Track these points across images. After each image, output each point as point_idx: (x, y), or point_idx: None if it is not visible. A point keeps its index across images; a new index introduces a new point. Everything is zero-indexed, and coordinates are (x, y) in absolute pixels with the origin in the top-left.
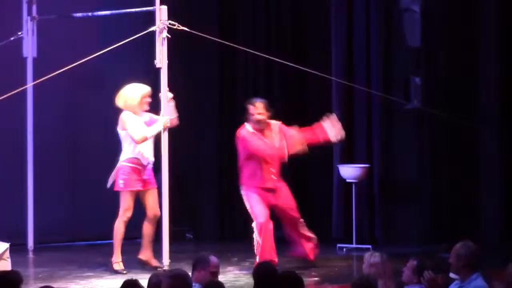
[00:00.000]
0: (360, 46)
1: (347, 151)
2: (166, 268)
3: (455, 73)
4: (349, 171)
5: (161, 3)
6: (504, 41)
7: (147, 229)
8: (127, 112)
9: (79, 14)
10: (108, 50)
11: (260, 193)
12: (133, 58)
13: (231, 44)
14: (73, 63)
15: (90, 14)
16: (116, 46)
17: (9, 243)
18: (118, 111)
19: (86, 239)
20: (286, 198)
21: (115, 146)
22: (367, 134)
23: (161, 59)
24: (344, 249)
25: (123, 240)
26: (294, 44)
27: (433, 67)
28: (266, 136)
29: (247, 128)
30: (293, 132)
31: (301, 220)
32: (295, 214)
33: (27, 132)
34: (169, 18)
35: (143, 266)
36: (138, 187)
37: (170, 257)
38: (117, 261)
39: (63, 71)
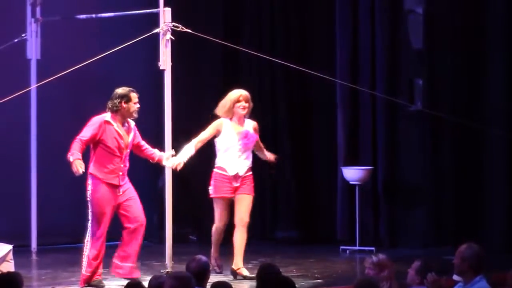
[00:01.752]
0: (365, 48)
1: (351, 153)
2: (169, 270)
3: (459, 75)
4: (353, 173)
5: (165, 5)
6: (509, 42)
7: (236, 237)
8: (220, 119)
9: (83, 16)
10: (112, 52)
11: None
12: (137, 60)
13: (236, 46)
14: (77, 65)
15: (94, 16)
16: (120, 48)
17: (13, 245)
18: None
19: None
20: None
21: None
22: (371, 136)
23: (165, 61)
24: (348, 251)
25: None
26: (299, 45)
27: (437, 69)
28: None
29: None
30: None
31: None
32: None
33: (31, 133)
34: (173, 20)
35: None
36: (226, 195)
37: (174, 259)
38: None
39: (67, 73)
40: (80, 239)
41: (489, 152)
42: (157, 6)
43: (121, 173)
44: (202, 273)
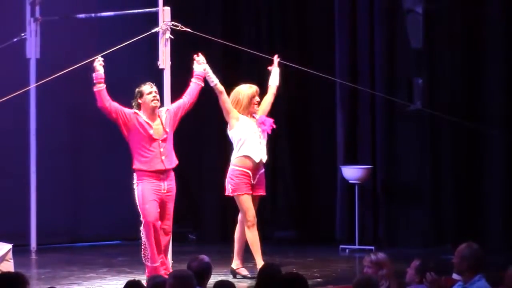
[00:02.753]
0: (364, 47)
1: (351, 152)
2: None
3: (458, 75)
4: (352, 172)
5: (164, 4)
6: (508, 42)
7: (239, 235)
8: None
9: (82, 15)
10: (111, 51)
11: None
12: (136, 59)
13: (235, 45)
14: (76, 64)
15: (93, 15)
16: (120, 47)
17: (12, 244)
18: None
19: (88, 240)
20: None
21: (117, 147)
22: (371, 135)
23: (164, 60)
24: (347, 250)
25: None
26: (298, 45)
27: (436, 69)
28: None
29: None
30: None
31: None
32: None
33: (30, 133)
34: (172, 19)
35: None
36: (248, 191)
37: (173, 258)
38: (239, 267)
39: (66, 72)
40: (79, 239)
41: (488, 151)
42: (156, 5)
43: (163, 157)
44: (203, 273)
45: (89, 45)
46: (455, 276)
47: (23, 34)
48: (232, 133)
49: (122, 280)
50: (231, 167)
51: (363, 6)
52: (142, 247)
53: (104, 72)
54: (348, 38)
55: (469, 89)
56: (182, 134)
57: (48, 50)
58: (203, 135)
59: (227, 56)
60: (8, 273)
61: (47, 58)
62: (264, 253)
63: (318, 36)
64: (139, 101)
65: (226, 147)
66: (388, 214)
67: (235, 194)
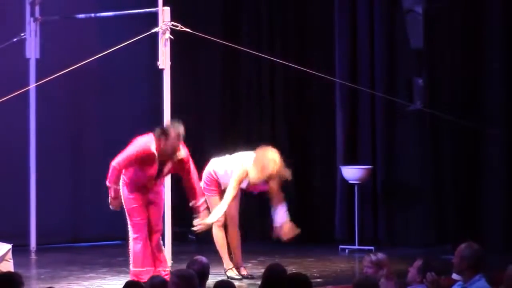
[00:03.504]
0: (364, 47)
1: (350, 152)
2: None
3: (458, 74)
4: (352, 172)
5: (164, 4)
6: (508, 41)
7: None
8: (245, 170)
9: (82, 15)
10: (111, 51)
11: None
12: (136, 59)
13: (235, 46)
14: (76, 64)
15: (93, 15)
16: (119, 47)
17: (12, 244)
18: (119, 111)
19: (88, 240)
20: None
21: (117, 147)
22: (371, 135)
23: (164, 60)
24: (347, 250)
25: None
26: (298, 45)
27: (436, 69)
28: None
29: None
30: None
31: None
32: None
33: (30, 133)
34: (172, 19)
35: None
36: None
37: (173, 259)
38: (228, 268)
39: (66, 72)
40: (79, 239)
41: (489, 151)
42: (156, 5)
43: (150, 189)
44: (204, 274)
45: (88, 45)
46: (455, 276)
47: (22, 34)
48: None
49: (122, 280)
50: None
51: (363, 6)
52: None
53: (103, 72)
54: (348, 38)
55: (469, 89)
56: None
57: (47, 50)
58: (203, 134)
59: (227, 56)
60: (3, 273)
61: (47, 58)
62: (264, 253)
63: (318, 36)
64: (162, 141)
65: (226, 146)
66: (388, 214)
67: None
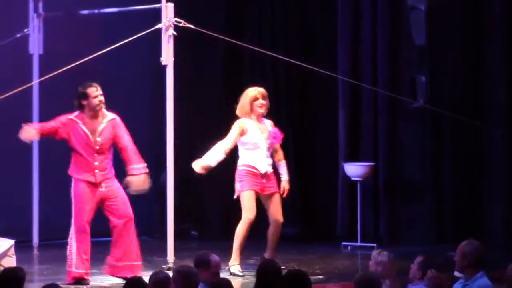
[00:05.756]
0: (367, 44)
1: (353, 149)
2: (171, 266)
3: (461, 72)
4: (354, 169)
5: (167, 0)
6: (511, 39)
7: (269, 233)
8: (240, 119)
9: (85, 11)
10: (114, 47)
11: None
12: (139, 56)
13: (238, 42)
14: (79, 60)
15: (96, 11)
16: (123, 43)
17: (14, 240)
18: (122, 106)
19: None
20: None
21: None
22: (373, 132)
23: (167, 57)
24: (349, 247)
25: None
26: (301, 43)
27: (439, 66)
28: None
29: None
30: None
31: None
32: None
33: None
34: (175, 16)
35: None
36: (255, 189)
37: (175, 255)
38: (234, 264)
39: (69, 68)
40: None
41: (491, 149)
42: (159, 1)
43: (97, 171)
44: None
45: (92, 41)
46: (456, 273)
47: (26, 30)
48: (241, 140)
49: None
50: (238, 168)
51: (365, 3)
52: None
53: (107, 68)
54: (351, 35)
55: (472, 86)
56: (185, 131)
57: (51, 46)
58: (204, 130)
59: (230, 52)
60: (6, 268)
61: (50, 54)
62: (265, 250)
63: (321, 33)
64: (83, 102)
65: None
66: (390, 211)
67: (239, 193)
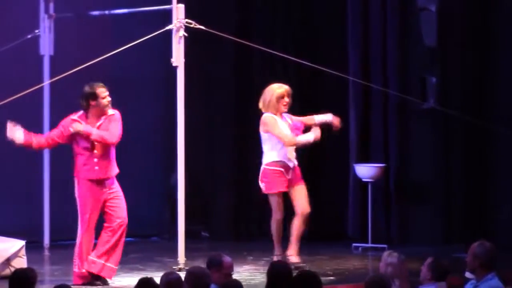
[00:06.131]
0: (377, 45)
1: (363, 150)
2: (181, 267)
3: (471, 73)
4: (365, 171)
5: (178, 1)
6: None
7: (294, 226)
8: (268, 114)
9: (96, 12)
10: (125, 48)
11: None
12: (150, 57)
13: (248, 43)
14: (89, 61)
15: (107, 12)
16: (133, 44)
17: (25, 241)
18: (132, 107)
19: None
20: None
21: (128, 144)
22: (383, 133)
23: (178, 58)
24: (360, 248)
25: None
26: (311, 43)
27: (449, 67)
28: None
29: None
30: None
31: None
32: None
33: (44, 130)
34: (186, 17)
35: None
36: (281, 188)
37: (186, 256)
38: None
39: (80, 69)
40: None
41: (501, 150)
42: (170, 2)
43: (97, 167)
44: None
45: (102, 42)
46: (467, 274)
47: (37, 31)
48: (267, 136)
49: (135, 277)
50: (263, 167)
51: (375, 4)
52: None
53: (117, 70)
54: (361, 36)
55: (482, 87)
56: (195, 131)
57: (62, 47)
58: (214, 131)
59: (240, 53)
60: (18, 269)
61: (61, 55)
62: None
63: (331, 34)
64: (91, 103)
65: (237, 143)
66: (400, 212)
67: (268, 192)
